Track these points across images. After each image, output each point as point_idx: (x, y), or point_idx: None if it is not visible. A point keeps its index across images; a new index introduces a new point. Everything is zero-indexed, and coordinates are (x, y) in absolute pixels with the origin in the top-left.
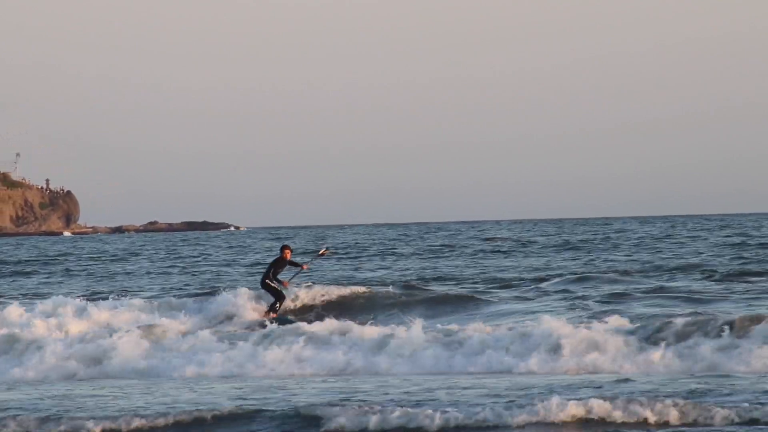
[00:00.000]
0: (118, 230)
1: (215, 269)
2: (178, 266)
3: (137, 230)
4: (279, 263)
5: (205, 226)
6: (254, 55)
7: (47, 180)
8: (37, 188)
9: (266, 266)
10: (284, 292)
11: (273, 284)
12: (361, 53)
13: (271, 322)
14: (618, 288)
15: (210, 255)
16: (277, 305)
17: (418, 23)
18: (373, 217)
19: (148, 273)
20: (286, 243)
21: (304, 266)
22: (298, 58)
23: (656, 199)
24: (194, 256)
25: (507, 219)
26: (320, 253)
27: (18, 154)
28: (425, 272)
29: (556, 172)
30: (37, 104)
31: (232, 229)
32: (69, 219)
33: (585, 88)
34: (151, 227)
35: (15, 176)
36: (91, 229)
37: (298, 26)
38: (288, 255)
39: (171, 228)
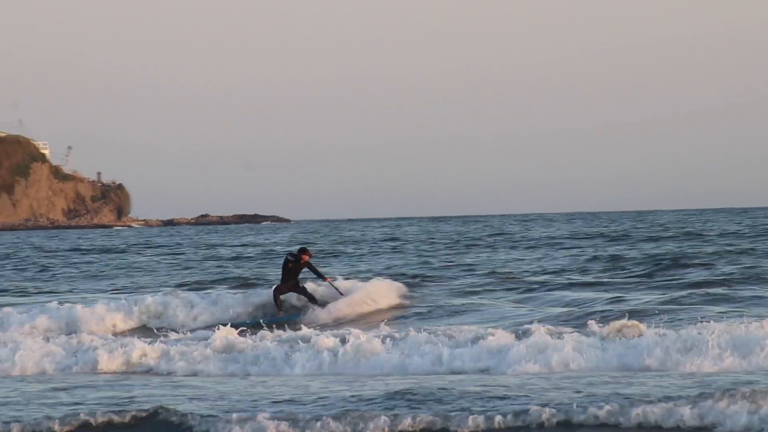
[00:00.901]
0: (170, 223)
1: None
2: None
3: (189, 223)
4: (295, 266)
5: (255, 218)
6: (298, 49)
7: (99, 173)
8: (89, 181)
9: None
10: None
11: (279, 295)
12: (407, 44)
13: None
14: None
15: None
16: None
17: (470, 11)
18: (421, 210)
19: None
20: (304, 246)
21: (327, 279)
22: (340, 51)
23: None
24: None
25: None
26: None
27: (70, 147)
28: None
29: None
30: (89, 98)
31: (268, 223)
32: (120, 212)
33: (612, 81)
34: (203, 220)
35: (67, 169)
36: (142, 222)
37: (345, 17)
38: (306, 259)
39: (222, 221)
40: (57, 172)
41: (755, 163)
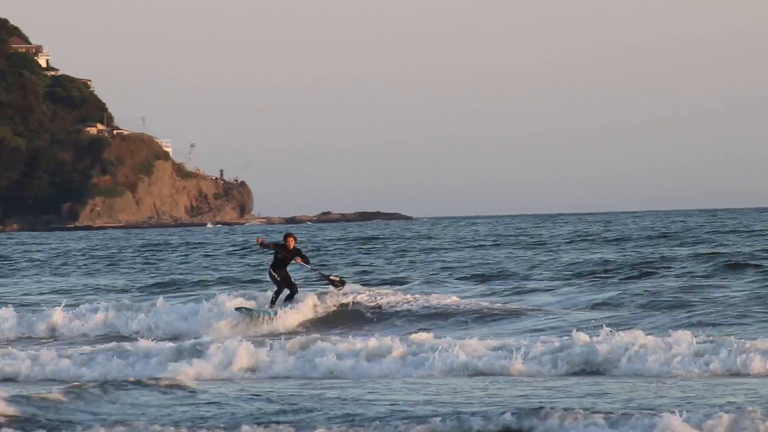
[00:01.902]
0: (292, 221)
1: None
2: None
3: (311, 220)
4: (280, 251)
5: (377, 216)
6: (412, 44)
7: (221, 170)
8: (212, 179)
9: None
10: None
11: (273, 274)
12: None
13: (274, 314)
14: None
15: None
16: (273, 295)
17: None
18: (546, 207)
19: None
20: (290, 232)
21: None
22: (450, 44)
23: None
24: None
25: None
26: (331, 278)
27: (192, 145)
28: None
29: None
30: (211, 97)
31: (380, 220)
32: (243, 209)
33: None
34: (325, 218)
35: (189, 167)
36: (264, 220)
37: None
38: (291, 244)
39: (344, 218)
40: (180, 170)
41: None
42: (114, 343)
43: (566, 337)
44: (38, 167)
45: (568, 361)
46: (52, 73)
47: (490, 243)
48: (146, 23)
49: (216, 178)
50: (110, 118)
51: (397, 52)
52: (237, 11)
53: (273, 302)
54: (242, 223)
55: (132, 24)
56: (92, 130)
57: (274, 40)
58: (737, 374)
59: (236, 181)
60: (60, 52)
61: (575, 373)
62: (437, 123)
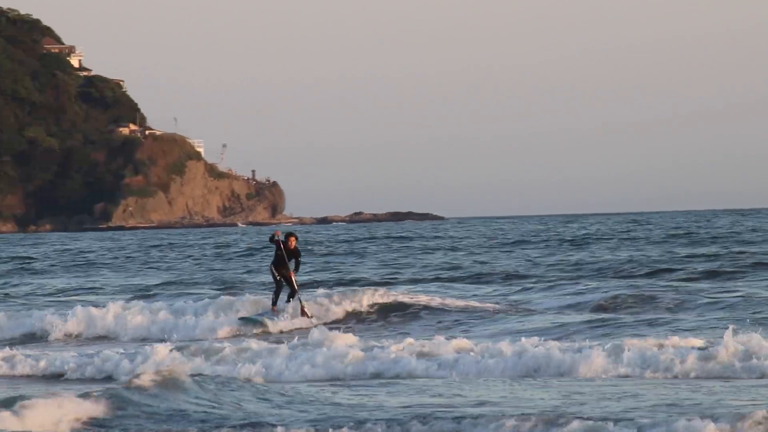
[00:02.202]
0: (324, 221)
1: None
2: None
3: (342, 221)
4: (281, 249)
5: (409, 216)
6: (449, 40)
7: (253, 171)
8: (244, 179)
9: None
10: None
11: (274, 273)
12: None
13: (274, 317)
14: None
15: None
16: (273, 296)
17: None
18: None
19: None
20: (291, 231)
21: (296, 287)
22: (490, 42)
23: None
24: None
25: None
26: (302, 308)
27: (224, 145)
28: None
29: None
30: (243, 97)
31: (411, 221)
32: (275, 209)
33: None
34: (357, 218)
35: (222, 167)
36: (296, 220)
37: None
38: (293, 243)
39: (376, 218)
40: (212, 170)
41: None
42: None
43: None
44: (71, 168)
45: None
46: (85, 73)
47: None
48: (178, 24)
49: (248, 178)
50: (143, 118)
51: (430, 50)
52: (269, 11)
53: (274, 303)
54: (274, 223)
55: (164, 24)
56: (125, 131)
57: (306, 39)
58: None
59: (268, 181)
60: (93, 53)
61: None
62: (471, 122)
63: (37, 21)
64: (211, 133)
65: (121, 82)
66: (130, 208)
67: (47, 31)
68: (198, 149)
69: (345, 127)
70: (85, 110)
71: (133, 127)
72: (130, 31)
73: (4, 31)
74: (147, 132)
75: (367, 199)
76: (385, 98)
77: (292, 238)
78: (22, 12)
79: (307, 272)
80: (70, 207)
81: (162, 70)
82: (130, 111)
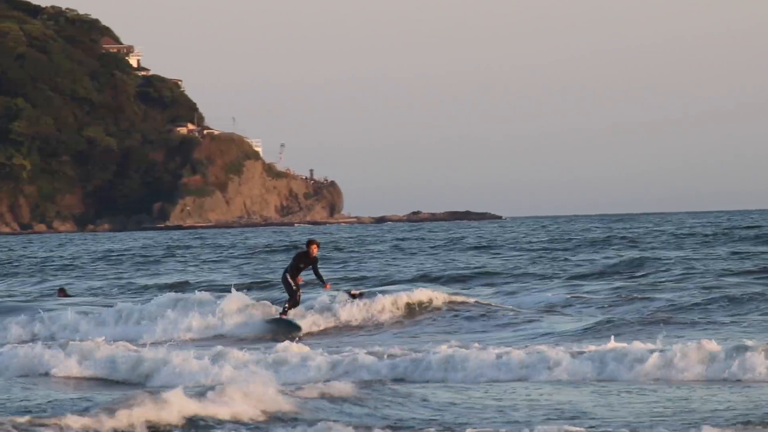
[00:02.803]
0: (381, 220)
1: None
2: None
3: (400, 220)
4: (302, 259)
5: (467, 215)
6: (508, 36)
7: (311, 170)
8: (302, 178)
9: (291, 259)
10: (298, 293)
11: (291, 282)
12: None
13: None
14: None
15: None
16: (286, 306)
17: None
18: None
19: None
20: (313, 238)
21: (327, 285)
22: (547, 38)
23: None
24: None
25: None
26: (352, 293)
27: (282, 145)
28: None
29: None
30: (301, 97)
31: (468, 221)
32: (333, 209)
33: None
34: (414, 217)
35: (280, 167)
36: (354, 219)
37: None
38: (315, 251)
39: (434, 218)
40: (270, 170)
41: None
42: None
43: None
44: (129, 167)
45: None
46: (143, 73)
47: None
48: (236, 24)
49: (306, 178)
50: (201, 117)
51: (500, 48)
52: (326, 11)
53: (285, 312)
54: (332, 223)
55: (222, 24)
56: (183, 130)
57: (363, 38)
58: None
59: (326, 180)
60: (151, 53)
61: None
62: (528, 119)
63: (96, 21)
64: (270, 133)
65: (179, 82)
66: (188, 208)
67: (106, 31)
68: (256, 149)
69: (403, 125)
70: (144, 110)
71: (191, 126)
72: (188, 31)
73: (64, 31)
74: (205, 131)
75: (425, 198)
76: (441, 96)
77: (314, 246)
78: (81, 12)
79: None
80: (128, 207)
81: (220, 69)
82: (188, 110)
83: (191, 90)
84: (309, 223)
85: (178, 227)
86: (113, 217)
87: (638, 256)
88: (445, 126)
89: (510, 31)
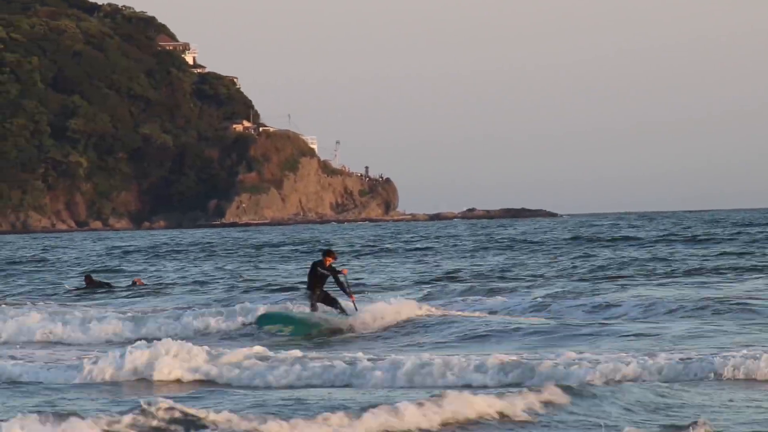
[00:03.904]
0: (437, 217)
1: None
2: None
3: (455, 217)
4: (316, 269)
5: (522, 213)
6: (551, 34)
7: (366, 167)
8: (357, 176)
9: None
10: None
11: (309, 292)
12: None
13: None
14: None
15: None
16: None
17: None
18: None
19: None
20: (329, 248)
21: (352, 297)
22: (599, 34)
23: None
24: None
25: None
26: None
27: (338, 142)
28: None
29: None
30: (356, 94)
31: (524, 218)
32: (388, 206)
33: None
34: (469, 214)
35: (335, 164)
36: (409, 216)
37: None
38: (328, 262)
39: (488, 215)
40: (325, 167)
41: None
42: None
43: None
44: (185, 164)
45: None
46: (199, 70)
47: None
48: (292, 21)
49: (361, 175)
50: (256, 115)
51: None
52: (381, 9)
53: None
54: (387, 220)
55: (277, 22)
56: (238, 128)
57: (419, 37)
58: None
59: (381, 177)
60: (207, 50)
61: None
62: (586, 117)
63: (152, 19)
64: (325, 130)
65: (234, 79)
66: (244, 205)
67: (162, 29)
68: (311, 146)
69: (458, 123)
70: (199, 107)
71: (246, 124)
72: (243, 28)
73: (120, 28)
74: (260, 129)
75: (481, 195)
76: (497, 94)
77: (329, 257)
78: (138, 10)
79: None
80: (183, 204)
81: (275, 67)
82: (244, 108)
83: (247, 87)
84: (364, 220)
85: (234, 224)
86: (169, 215)
87: None
88: (500, 122)
89: (535, 31)
